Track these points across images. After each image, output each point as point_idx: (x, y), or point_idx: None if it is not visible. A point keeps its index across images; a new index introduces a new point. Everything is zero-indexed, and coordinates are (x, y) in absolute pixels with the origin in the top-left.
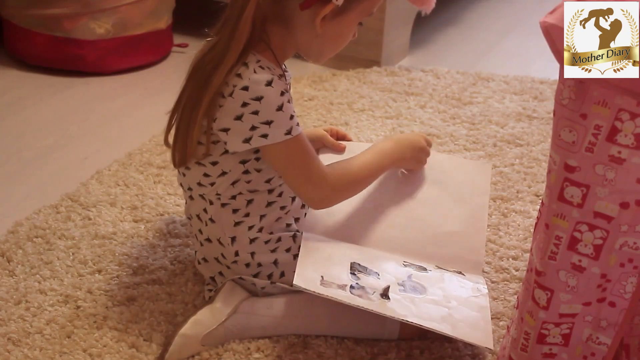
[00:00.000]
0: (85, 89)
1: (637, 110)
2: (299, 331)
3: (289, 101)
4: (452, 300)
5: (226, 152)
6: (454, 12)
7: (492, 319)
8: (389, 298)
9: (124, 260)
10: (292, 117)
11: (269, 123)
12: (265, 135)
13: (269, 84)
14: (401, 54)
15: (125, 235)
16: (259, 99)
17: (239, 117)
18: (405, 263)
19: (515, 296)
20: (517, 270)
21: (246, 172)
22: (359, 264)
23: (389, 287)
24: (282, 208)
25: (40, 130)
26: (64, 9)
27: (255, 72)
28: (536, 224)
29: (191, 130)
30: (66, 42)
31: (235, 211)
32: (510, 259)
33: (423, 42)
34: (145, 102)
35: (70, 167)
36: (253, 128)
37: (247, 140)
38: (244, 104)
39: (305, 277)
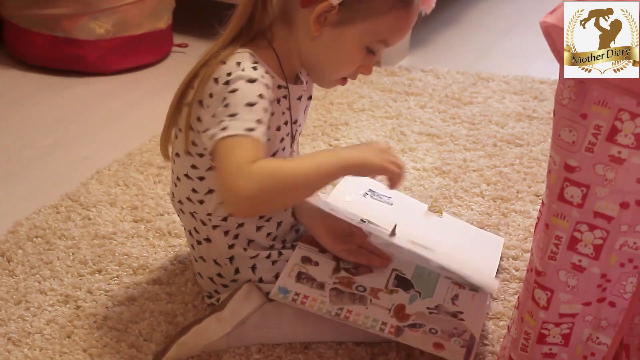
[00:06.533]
0: (85, 89)
1: (637, 110)
2: (303, 339)
3: (265, 109)
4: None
5: (212, 168)
6: (454, 12)
7: (492, 319)
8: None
9: (124, 260)
10: (259, 121)
11: (233, 116)
12: (224, 128)
13: (251, 80)
14: (401, 54)
15: (125, 235)
16: (233, 91)
17: (207, 105)
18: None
19: (516, 296)
20: (517, 270)
21: None
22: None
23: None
24: (268, 235)
25: (40, 130)
26: (64, 9)
27: (243, 69)
28: (536, 224)
29: (170, 120)
30: (66, 42)
31: (226, 233)
32: (510, 259)
33: (423, 42)
34: (145, 102)
35: (70, 167)
36: (219, 121)
37: (211, 137)
38: (219, 95)
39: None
